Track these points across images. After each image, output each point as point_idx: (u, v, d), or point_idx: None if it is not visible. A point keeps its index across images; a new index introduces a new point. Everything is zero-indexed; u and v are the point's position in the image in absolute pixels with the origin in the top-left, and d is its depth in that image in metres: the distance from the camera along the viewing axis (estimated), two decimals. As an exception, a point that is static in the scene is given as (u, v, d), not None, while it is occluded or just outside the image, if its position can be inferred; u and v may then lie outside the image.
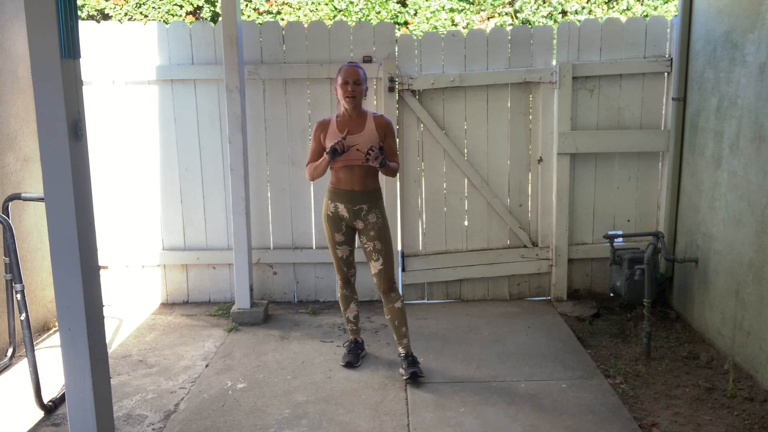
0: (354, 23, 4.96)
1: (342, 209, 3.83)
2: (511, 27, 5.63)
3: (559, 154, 4.95)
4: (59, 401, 3.57)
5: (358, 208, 3.81)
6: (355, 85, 3.73)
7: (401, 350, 3.95)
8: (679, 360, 4.11)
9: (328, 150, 3.71)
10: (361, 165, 3.74)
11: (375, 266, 3.88)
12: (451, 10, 9.96)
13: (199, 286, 5.20)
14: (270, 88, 4.95)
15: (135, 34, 4.89)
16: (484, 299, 5.22)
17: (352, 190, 3.80)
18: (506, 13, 9.93)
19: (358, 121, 3.80)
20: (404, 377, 3.83)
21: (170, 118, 4.99)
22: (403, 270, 5.07)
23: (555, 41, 4.95)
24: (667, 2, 9.69)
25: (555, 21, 9.70)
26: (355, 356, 4.08)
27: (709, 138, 4.34)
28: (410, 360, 3.90)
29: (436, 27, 9.80)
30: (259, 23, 5.09)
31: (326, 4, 10.13)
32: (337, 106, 3.89)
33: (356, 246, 4.02)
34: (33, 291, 4.58)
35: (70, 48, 2.33)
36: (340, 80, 3.76)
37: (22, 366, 3.99)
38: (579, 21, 5.43)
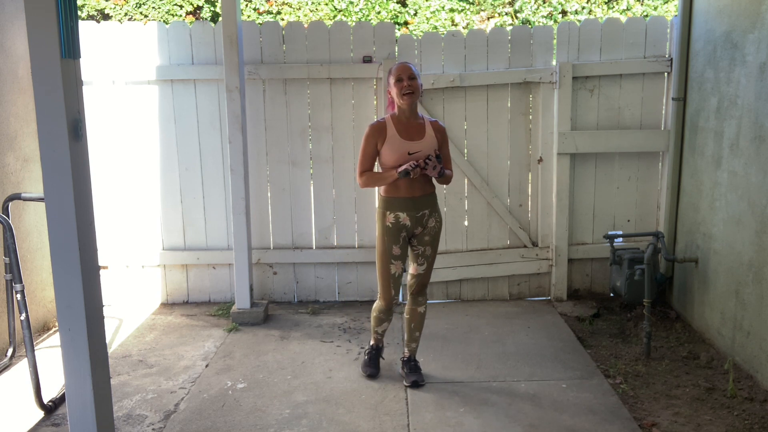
0: (354, 23, 4.97)
1: (404, 218, 3.60)
2: (511, 27, 5.63)
3: (559, 154, 4.95)
4: (59, 401, 3.57)
5: (421, 215, 3.63)
6: (410, 80, 3.50)
7: (406, 352, 3.91)
8: (679, 360, 4.11)
9: (400, 171, 3.46)
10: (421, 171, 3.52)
11: (416, 269, 3.77)
12: (451, 10, 9.96)
13: (199, 286, 5.20)
14: (270, 88, 4.95)
15: (135, 34, 4.89)
16: (484, 299, 5.22)
17: (413, 197, 3.58)
18: (506, 13, 9.93)
19: (418, 126, 3.60)
20: (405, 384, 3.80)
21: (170, 118, 4.99)
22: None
23: (555, 41, 4.95)
24: (667, 2, 9.69)
25: (555, 21, 9.70)
26: (377, 368, 3.94)
27: (709, 138, 4.34)
28: (412, 365, 3.86)
29: (436, 27, 9.80)
30: (259, 23, 5.09)
31: (326, 4, 10.13)
32: (389, 107, 3.67)
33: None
34: (33, 291, 4.58)
35: (70, 48, 2.33)
36: (392, 79, 3.54)
37: (22, 366, 3.99)
38: (579, 21, 5.43)
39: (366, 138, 3.60)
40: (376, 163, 3.67)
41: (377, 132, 3.57)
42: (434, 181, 3.65)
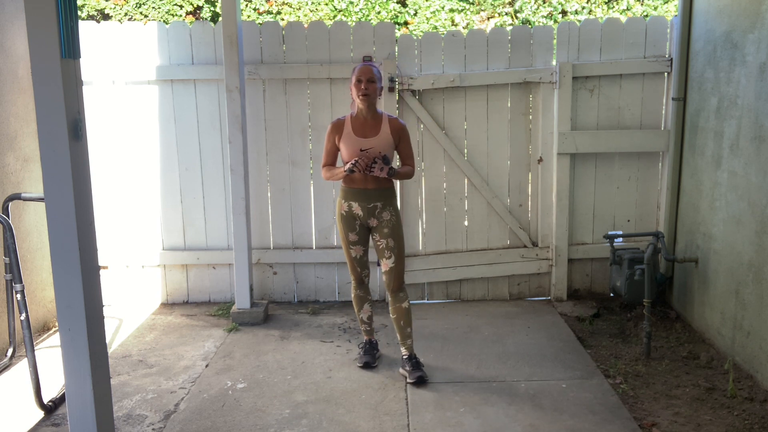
0: (354, 23, 4.97)
1: (356, 207, 3.82)
2: (511, 27, 5.63)
3: (559, 154, 4.95)
4: (59, 401, 3.57)
5: (372, 206, 3.81)
6: (368, 83, 3.71)
7: (404, 351, 3.94)
8: (679, 360, 4.11)
9: (346, 168, 3.68)
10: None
11: (386, 264, 3.88)
12: (451, 10, 9.96)
13: (199, 286, 5.20)
14: (270, 88, 4.95)
15: (135, 34, 4.89)
16: (484, 299, 5.22)
17: (365, 189, 3.79)
18: (506, 13, 9.93)
19: (373, 123, 3.79)
20: (409, 381, 3.81)
21: (170, 118, 4.99)
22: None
23: (555, 41, 4.95)
24: (667, 2, 9.69)
25: (555, 21, 9.70)
26: (372, 356, 4.06)
27: (709, 138, 4.34)
28: (414, 363, 3.88)
29: (436, 27, 9.80)
30: (259, 23, 5.09)
31: (326, 4, 10.13)
32: (351, 105, 3.87)
33: (370, 246, 3.98)
34: (33, 291, 4.58)
35: (70, 48, 2.33)
36: (354, 79, 3.75)
37: (22, 366, 3.99)
38: (579, 21, 5.43)
39: (327, 135, 3.89)
40: (339, 158, 3.92)
41: (335, 129, 3.84)
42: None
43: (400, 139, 3.83)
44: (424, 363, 4.02)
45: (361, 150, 3.72)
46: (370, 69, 3.74)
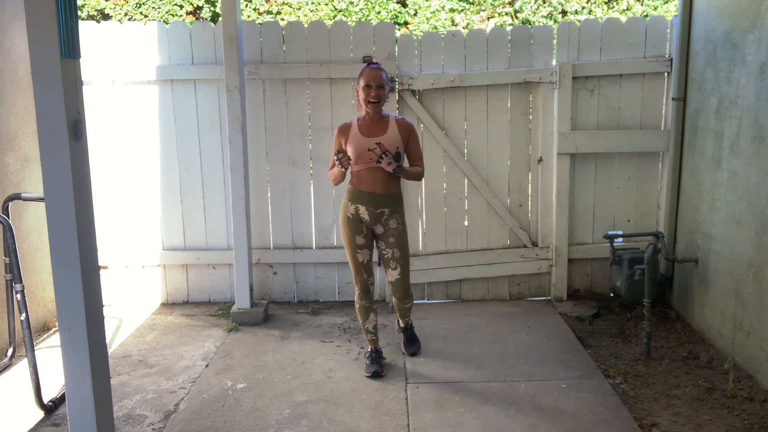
0: (354, 23, 4.97)
1: (363, 211, 3.76)
2: (511, 27, 5.63)
3: (559, 154, 4.95)
4: (59, 401, 3.57)
5: (380, 212, 3.76)
6: (378, 89, 3.67)
7: (402, 323, 4.21)
8: (679, 360, 4.11)
9: (338, 158, 3.62)
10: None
11: (392, 275, 3.90)
12: (451, 10, 9.96)
13: (199, 286, 5.20)
14: (270, 88, 4.95)
15: (135, 34, 4.89)
16: (484, 299, 5.22)
17: (374, 193, 3.73)
18: (506, 13, 9.94)
19: (380, 124, 3.75)
20: (404, 352, 4.17)
21: (170, 118, 4.99)
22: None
23: (555, 41, 4.95)
24: (667, 2, 9.69)
25: (555, 21, 9.70)
26: (381, 365, 3.94)
27: (709, 138, 4.34)
28: (409, 334, 4.20)
29: (436, 27, 9.80)
30: (259, 23, 5.09)
31: (326, 4, 10.13)
32: (358, 108, 3.83)
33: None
34: (33, 291, 4.58)
35: (70, 48, 2.33)
36: (362, 83, 3.69)
37: (22, 366, 3.99)
38: (579, 21, 5.43)
39: (333, 139, 3.83)
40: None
41: (341, 132, 3.79)
42: (403, 180, 3.83)
43: (409, 137, 3.78)
44: (424, 362, 4.03)
45: (369, 150, 3.66)
46: (379, 74, 3.67)
